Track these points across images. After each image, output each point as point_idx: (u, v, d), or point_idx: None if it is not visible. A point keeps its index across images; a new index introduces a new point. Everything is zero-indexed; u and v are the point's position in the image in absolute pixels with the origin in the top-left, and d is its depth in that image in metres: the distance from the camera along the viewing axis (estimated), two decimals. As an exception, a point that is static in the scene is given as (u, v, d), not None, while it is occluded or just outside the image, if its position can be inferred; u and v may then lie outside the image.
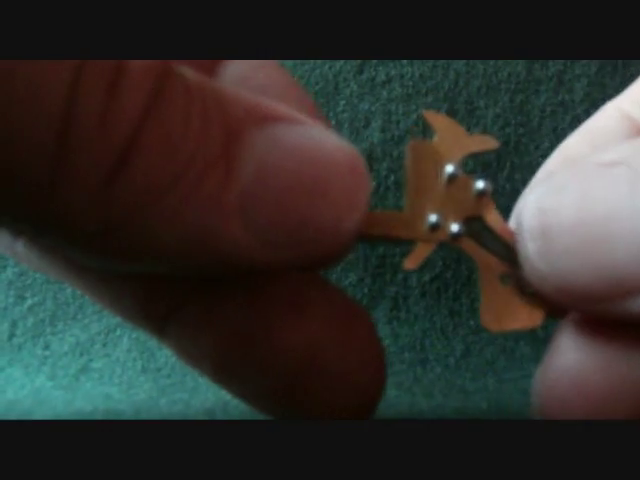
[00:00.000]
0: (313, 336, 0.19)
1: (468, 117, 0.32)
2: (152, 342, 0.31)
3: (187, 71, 0.16)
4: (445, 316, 0.32)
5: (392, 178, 0.32)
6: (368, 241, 0.18)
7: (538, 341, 0.31)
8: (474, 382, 0.27)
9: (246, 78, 0.20)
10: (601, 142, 0.21)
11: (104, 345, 0.32)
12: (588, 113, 0.31)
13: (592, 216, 0.17)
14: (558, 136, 0.31)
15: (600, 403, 0.18)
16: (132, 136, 0.15)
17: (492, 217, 0.19)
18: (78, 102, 0.14)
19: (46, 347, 0.32)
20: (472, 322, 0.32)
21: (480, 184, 0.18)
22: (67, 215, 0.15)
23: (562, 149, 0.22)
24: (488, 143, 0.19)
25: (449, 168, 0.18)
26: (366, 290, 0.33)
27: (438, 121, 0.19)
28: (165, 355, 0.30)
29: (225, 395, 0.23)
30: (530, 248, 0.17)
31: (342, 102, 0.32)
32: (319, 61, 0.31)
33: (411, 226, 0.18)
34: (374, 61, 0.31)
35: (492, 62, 0.31)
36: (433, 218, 0.18)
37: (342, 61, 0.31)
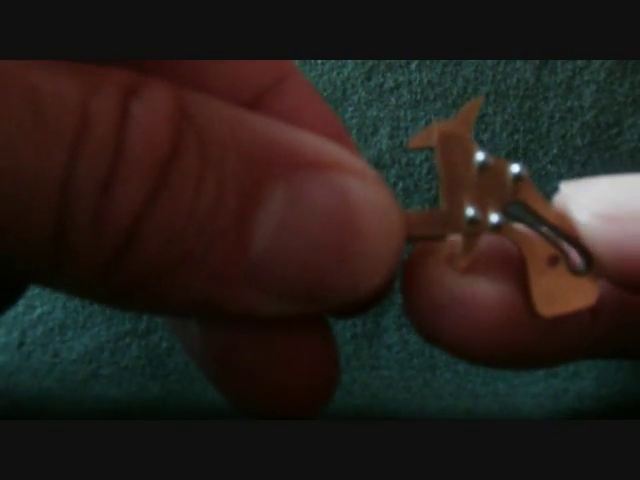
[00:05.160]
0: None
1: (477, 123, 0.31)
2: (161, 349, 0.31)
3: (207, 108, 0.15)
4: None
5: (401, 185, 0.32)
6: (407, 242, 0.17)
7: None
8: (484, 387, 0.27)
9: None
10: None
11: (113, 353, 0.32)
12: (597, 119, 0.31)
13: None
14: (567, 142, 0.31)
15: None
16: (128, 230, 0.14)
17: (533, 199, 0.18)
18: (70, 201, 0.14)
19: (55, 355, 0.32)
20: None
21: (515, 168, 0.17)
22: (74, 291, 0.16)
23: None
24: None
25: (480, 156, 0.17)
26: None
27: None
28: (174, 362, 0.30)
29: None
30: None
31: (350, 109, 0.32)
32: (327, 67, 0.32)
33: (450, 222, 0.17)
34: (382, 67, 0.31)
35: (500, 68, 0.31)
36: (471, 212, 0.17)
37: (350, 67, 0.31)
